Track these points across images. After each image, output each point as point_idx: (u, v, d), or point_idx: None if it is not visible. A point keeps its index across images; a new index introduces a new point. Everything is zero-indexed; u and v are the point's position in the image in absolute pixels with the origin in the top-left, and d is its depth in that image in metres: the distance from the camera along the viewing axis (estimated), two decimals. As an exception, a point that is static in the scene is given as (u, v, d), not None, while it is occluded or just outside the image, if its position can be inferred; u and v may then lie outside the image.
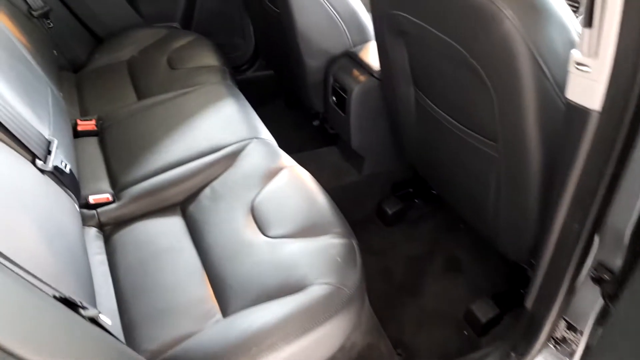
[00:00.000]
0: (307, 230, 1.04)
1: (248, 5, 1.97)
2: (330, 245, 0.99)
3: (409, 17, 0.98)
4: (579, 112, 0.70)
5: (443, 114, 1.13)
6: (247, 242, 1.05)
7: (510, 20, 0.76)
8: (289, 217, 1.08)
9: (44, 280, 0.70)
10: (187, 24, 2.08)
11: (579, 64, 0.68)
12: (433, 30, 0.92)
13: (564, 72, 0.82)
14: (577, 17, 1.18)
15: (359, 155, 1.61)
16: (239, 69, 2.21)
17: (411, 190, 1.65)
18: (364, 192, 1.67)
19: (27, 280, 0.65)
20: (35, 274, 0.70)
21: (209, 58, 1.71)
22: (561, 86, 0.83)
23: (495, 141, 0.99)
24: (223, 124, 1.37)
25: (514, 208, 1.04)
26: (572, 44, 0.82)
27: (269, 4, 1.61)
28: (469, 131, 1.07)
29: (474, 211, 1.25)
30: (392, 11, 1.04)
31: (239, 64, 2.21)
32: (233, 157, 1.27)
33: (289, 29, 1.48)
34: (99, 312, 0.75)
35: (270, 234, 1.05)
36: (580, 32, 0.66)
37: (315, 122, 1.84)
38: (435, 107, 1.16)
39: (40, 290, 0.67)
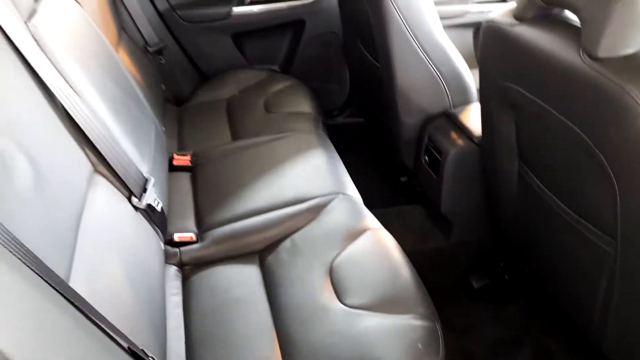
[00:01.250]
0: (387, 305, 0.97)
1: (348, 55, 1.98)
2: (411, 327, 0.92)
3: (525, 92, 0.91)
4: None
5: (550, 194, 1.03)
6: (322, 306, 1.00)
7: (649, 116, 0.67)
8: (369, 286, 1.02)
9: (120, 327, 0.70)
10: (286, 67, 2.14)
11: None
12: (552, 110, 0.84)
13: None
14: None
15: (448, 220, 1.52)
16: (330, 114, 2.22)
17: (502, 264, 1.52)
18: (450, 260, 1.57)
19: (104, 331, 0.65)
20: (114, 319, 0.70)
21: (304, 105, 1.72)
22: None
23: (613, 237, 0.87)
24: (310, 175, 1.36)
25: (628, 315, 0.91)
26: None
27: (370, 58, 1.60)
28: (580, 219, 0.95)
29: (575, 304, 1.11)
30: (505, 83, 0.97)
31: (331, 109, 2.22)
32: (317, 210, 1.24)
33: (388, 85, 1.46)
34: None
35: (347, 302, 1.00)
36: None
37: (403, 178, 1.77)
38: (541, 185, 1.06)
39: (115, 341, 0.67)
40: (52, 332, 0.51)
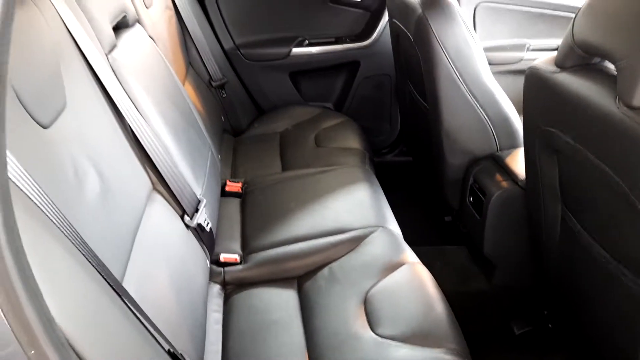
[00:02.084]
0: (418, 338, 0.98)
1: (399, 96, 2.04)
2: (440, 361, 0.92)
3: (565, 137, 0.92)
4: None
5: (592, 240, 1.02)
6: (354, 334, 1.02)
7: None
8: (402, 318, 1.04)
9: (163, 331, 0.76)
10: (339, 105, 2.23)
11: None
12: (590, 156, 0.85)
13: None
14: None
15: (491, 262, 1.50)
16: (380, 152, 2.27)
17: (546, 312, 1.48)
18: (491, 303, 1.54)
19: (148, 330, 0.72)
20: (158, 323, 0.76)
21: (352, 141, 1.79)
22: None
23: (655, 287, 0.85)
24: (353, 207, 1.40)
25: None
26: None
27: (420, 99, 1.65)
28: (620, 266, 0.93)
29: (617, 357, 1.07)
30: (546, 127, 0.99)
31: (381, 147, 2.28)
32: (356, 241, 1.28)
33: (435, 126, 1.49)
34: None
35: (378, 332, 1.02)
36: None
37: (448, 218, 1.78)
38: (583, 230, 1.04)
39: (157, 342, 0.73)
40: (106, 320, 0.58)
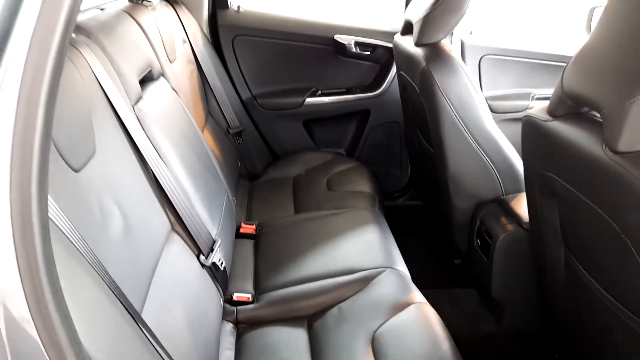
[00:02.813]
0: (423, 376, 1.00)
1: (408, 142, 2.12)
2: (445, 399, 0.94)
3: (561, 181, 0.97)
4: None
5: (594, 281, 1.04)
6: (361, 373, 1.05)
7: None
8: (408, 356, 1.06)
9: (178, 364, 0.81)
10: (351, 151, 2.31)
11: None
12: (584, 198, 0.89)
13: None
14: None
15: (500, 305, 1.51)
16: (391, 196, 2.32)
17: (557, 356, 1.47)
18: (501, 347, 1.54)
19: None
20: (173, 356, 0.81)
21: (363, 185, 1.85)
22: None
23: (656, 327, 0.87)
24: (362, 249, 1.45)
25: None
26: None
27: (426, 144, 1.72)
28: (622, 307, 0.95)
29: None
30: (543, 172, 1.04)
31: (392, 191, 2.34)
32: (365, 282, 1.32)
33: (442, 171, 1.55)
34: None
35: (385, 370, 1.04)
36: None
37: (457, 261, 1.81)
38: (585, 272, 1.07)
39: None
40: (127, 346, 0.63)
